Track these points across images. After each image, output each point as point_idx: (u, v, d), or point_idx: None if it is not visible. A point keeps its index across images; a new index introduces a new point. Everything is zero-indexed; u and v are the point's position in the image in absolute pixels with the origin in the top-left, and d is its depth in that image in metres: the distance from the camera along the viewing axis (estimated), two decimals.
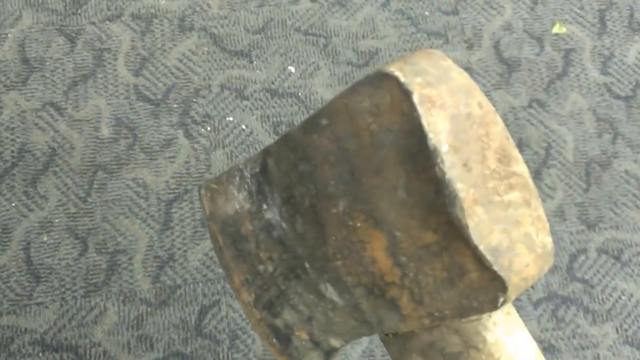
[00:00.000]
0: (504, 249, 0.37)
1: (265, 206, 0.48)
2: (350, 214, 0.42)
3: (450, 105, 0.38)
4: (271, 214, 0.48)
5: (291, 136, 0.45)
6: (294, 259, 0.49)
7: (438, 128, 0.36)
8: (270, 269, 0.51)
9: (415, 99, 0.37)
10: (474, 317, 0.41)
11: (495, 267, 0.37)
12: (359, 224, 0.42)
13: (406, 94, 0.37)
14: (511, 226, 0.38)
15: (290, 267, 0.50)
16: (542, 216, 0.41)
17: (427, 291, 0.41)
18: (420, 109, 0.36)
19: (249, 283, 0.52)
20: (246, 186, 0.50)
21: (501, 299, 0.37)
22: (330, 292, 0.46)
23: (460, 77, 0.41)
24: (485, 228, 0.37)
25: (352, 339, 0.52)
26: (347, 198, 0.42)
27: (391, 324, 0.44)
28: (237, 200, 0.52)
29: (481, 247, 0.36)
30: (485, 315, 0.41)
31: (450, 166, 0.36)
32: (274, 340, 0.52)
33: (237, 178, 0.50)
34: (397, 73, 0.38)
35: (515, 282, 0.37)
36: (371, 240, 0.42)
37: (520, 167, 0.41)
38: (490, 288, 0.38)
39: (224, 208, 0.53)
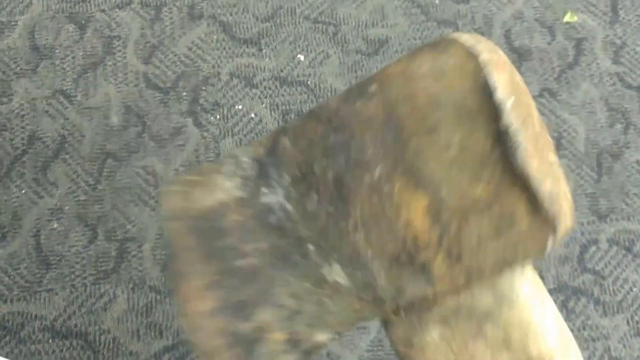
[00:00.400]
0: (554, 196, 0.41)
1: (264, 189, 0.48)
2: (389, 178, 0.43)
3: (507, 70, 0.42)
4: (272, 197, 0.48)
5: (324, 107, 0.45)
6: (293, 243, 0.47)
7: (502, 85, 0.40)
8: (255, 261, 0.48)
9: (483, 59, 0.41)
10: (511, 269, 0.43)
11: (550, 211, 0.40)
12: (396, 189, 0.43)
13: (473, 56, 0.41)
14: (555, 181, 0.42)
15: (284, 254, 0.47)
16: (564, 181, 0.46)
17: (468, 247, 0.42)
18: (488, 69, 0.40)
19: (216, 286, 0.47)
20: (241, 172, 0.49)
21: (550, 244, 0.40)
22: (336, 273, 0.46)
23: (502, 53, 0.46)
24: (540, 176, 0.40)
25: (346, 329, 0.47)
26: (387, 163, 0.43)
27: (415, 291, 0.44)
28: (224, 190, 0.49)
29: (540, 191, 0.40)
30: (518, 270, 0.44)
31: (514, 120, 0.40)
32: (233, 350, 0.46)
33: (230, 165, 0.49)
34: (464, 38, 0.42)
35: (561, 229, 0.41)
36: (410, 203, 0.43)
37: (549, 138, 0.47)
38: (541, 233, 0.40)
39: (203, 201, 0.49)
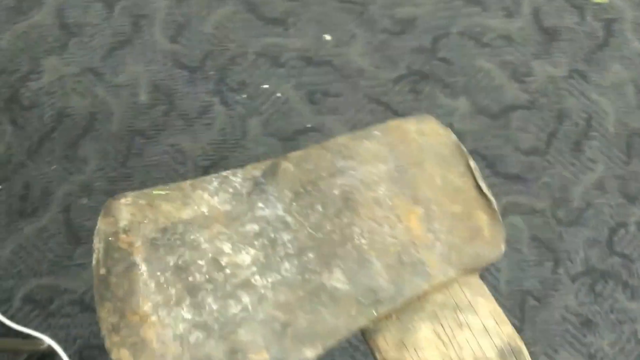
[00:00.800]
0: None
1: (260, 204, 0.52)
2: (391, 195, 0.56)
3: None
4: (268, 211, 0.52)
5: (333, 142, 0.58)
6: (292, 253, 0.49)
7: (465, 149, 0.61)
8: (245, 273, 0.48)
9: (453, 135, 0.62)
10: (479, 268, 0.55)
11: (502, 223, 0.58)
12: (398, 202, 0.55)
13: (445, 127, 0.62)
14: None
15: (276, 264, 0.48)
16: None
17: (454, 248, 0.54)
18: (454, 137, 0.61)
19: (186, 303, 0.45)
20: (230, 190, 0.52)
21: (503, 249, 0.56)
22: (336, 279, 0.49)
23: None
24: (493, 199, 0.59)
25: (334, 343, 0.47)
26: (390, 183, 0.56)
27: (414, 287, 0.51)
28: (207, 204, 0.50)
29: (496, 208, 0.57)
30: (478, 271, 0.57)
31: (473, 163, 0.60)
32: None
33: (216, 183, 0.52)
34: (432, 117, 0.63)
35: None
36: (408, 213, 0.55)
37: None
38: (498, 240, 0.56)
39: (178, 214, 0.49)
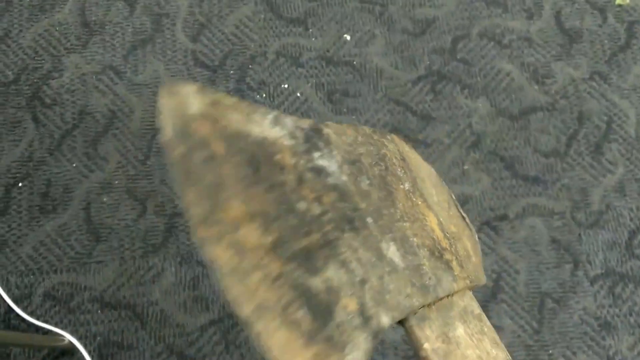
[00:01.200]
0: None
1: (317, 154, 0.48)
2: (413, 193, 0.53)
3: None
4: (326, 162, 0.47)
5: (361, 129, 0.56)
6: (353, 210, 0.46)
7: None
8: (317, 211, 0.44)
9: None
10: (474, 287, 0.55)
11: (481, 257, 0.60)
12: (419, 202, 0.53)
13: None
14: None
15: (346, 217, 0.45)
16: None
17: (463, 259, 0.53)
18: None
19: (268, 219, 0.41)
20: (284, 127, 0.47)
21: (485, 279, 0.57)
22: (392, 252, 0.46)
23: None
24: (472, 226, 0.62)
25: (399, 316, 0.45)
26: (410, 184, 0.54)
27: (447, 284, 0.49)
28: (271, 132, 0.46)
29: (477, 241, 0.60)
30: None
31: (457, 202, 0.63)
32: (303, 312, 0.39)
33: (270, 117, 0.47)
34: None
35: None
36: (428, 216, 0.53)
37: None
38: (481, 269, 0.57)
39: (245, 128, 0.45)
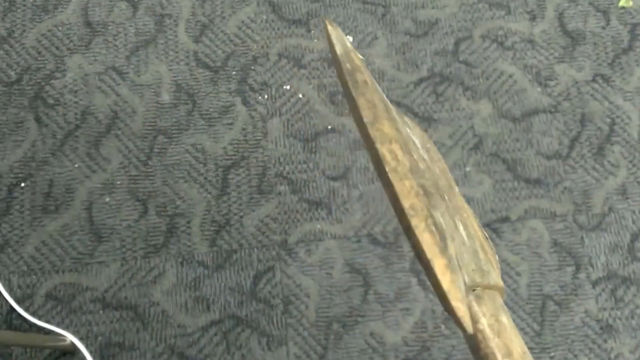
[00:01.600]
0: None
1: (409, 130, 0.58)
2: (454, 188, 0.60)
3: None
4: (415, 139, 0.57)
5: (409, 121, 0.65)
6: (435, 184, 0.52)
7: None
8: (422, 166, 0.52)
9: None
10: None
11: None
12: (459, 198, 0.59)
13: None
14: None
15: (434, 185, 0.52)
16: None
17: (496, 262, 0.57)
18: None
19: (404, 148, 0.51)
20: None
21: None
22: (461, 229, 0.53)
23: None
24: None
25: (470, 284, 0.49)
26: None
27: (495, 276, 0.53)
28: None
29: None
30: None
31: None
32: (434, 229, 0.48)
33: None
34: None
35: None
36: (468, 212, 0.59)
37: None
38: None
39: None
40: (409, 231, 0.49)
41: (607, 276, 1.17)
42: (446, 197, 0.53)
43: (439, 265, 0.47)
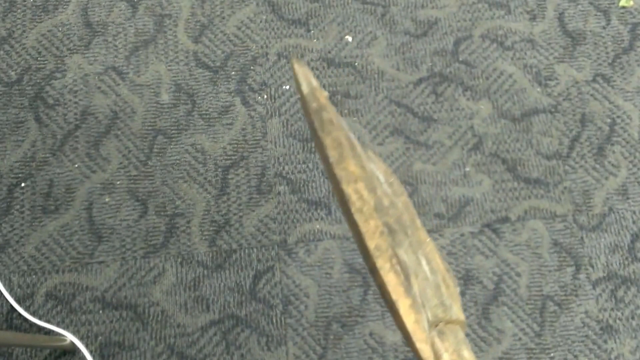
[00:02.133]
0: None
1: (374, 166, 0.58)
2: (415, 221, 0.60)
3: None
4: (379, 175, 0.57)
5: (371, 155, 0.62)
6: (398, 219, 0.53)
7: None
8: (386, 203, 0.53)
9: None
10: None
11: None
12: (422, 231, 0.58)
13: None
14: None
15: (397, 220, 0.53)
16: None
17: (457, 296, 0.57)
18: None
19: (368, 186, 0.53)
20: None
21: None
22: (424, 264, 0.54)
23: None
24: None
25: (432, 320, 0.51)
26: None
27: (457, 310, 0.55)
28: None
29: None
30: None
31: None
32: (399, 269, 0.50)
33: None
34: None
35: None
36: (431, 245, 0.59)
37: None
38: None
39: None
40: (374, 272, 0.51)
41: (608, 277, 1.17)
42: (409, 232, 0.54)
43: (403, 306, 0.49)
